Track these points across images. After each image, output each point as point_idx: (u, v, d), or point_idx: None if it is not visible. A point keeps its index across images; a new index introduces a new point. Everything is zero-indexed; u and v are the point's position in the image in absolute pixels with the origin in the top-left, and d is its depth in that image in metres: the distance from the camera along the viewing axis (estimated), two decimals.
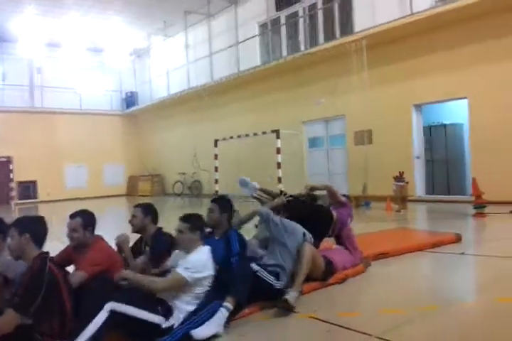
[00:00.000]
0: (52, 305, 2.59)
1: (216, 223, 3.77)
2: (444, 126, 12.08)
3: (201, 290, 3.09)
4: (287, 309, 3.36)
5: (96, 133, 20.80)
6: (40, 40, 18.12)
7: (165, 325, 2.86)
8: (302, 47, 13.77)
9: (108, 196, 20.28)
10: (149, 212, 3.89)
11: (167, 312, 2.91)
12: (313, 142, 14.25)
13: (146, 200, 4.21)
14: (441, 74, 10.61)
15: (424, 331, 2.98)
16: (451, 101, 11.09)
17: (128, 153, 22.02)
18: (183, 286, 2.99)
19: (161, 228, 3.90)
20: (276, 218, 3.94)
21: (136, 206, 3.96)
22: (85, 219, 3.32)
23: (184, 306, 3.01)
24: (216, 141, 14.86)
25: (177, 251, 3.38)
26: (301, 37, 14.13)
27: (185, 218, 3.31)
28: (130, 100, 21.74)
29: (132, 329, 2.77)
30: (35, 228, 2.80)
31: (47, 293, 2.53)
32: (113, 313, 2.64)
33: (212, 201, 3.88)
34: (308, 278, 3.82)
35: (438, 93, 10.75)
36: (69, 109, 20.30)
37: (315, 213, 4.37)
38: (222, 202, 3.86)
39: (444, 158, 11.97)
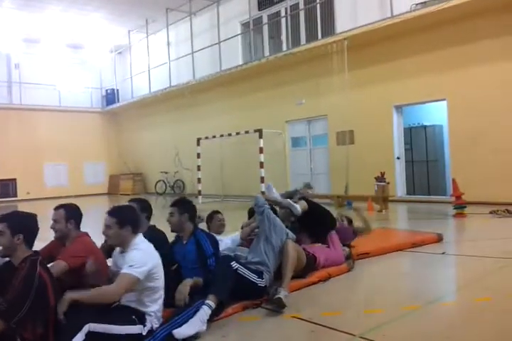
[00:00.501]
0: (38, 311, 2.53)
1: (178, 226, 3.62)
2: (424, 127, 12.26)
3: (156, 282, 2.93)
4: (280, 307, 3.39)
5: (76, 130, 20.47)
6: (18, 35, 17.78)
7: (145, 331, 2.82)
8: (284, 47, 13.79)
9: (89, 195, 20.00)
10: (145, 208, 3.87)
11: (142, 318, 2.85)
12: (296, 142, 14.31)
13: (127, 199, 4.11)
14: (421, 76, 10.76)
15: (406, 331, 3.03)
16: (431, 103, 11.26)
17: (109, 152, 21.75)
18: (137, 285, 2.84)
19: (153, 225, 3.87)
20: (271, 213, 3.96)
21: (131, 201, 3.90)
22: (68, 211, 3.33)
23: (149, 308, 2.91)
24: (199, 140, 14.81)
25: (116, 250, 3.19)
26: (283, 37, 14.16)
27: (112, 212, 3.04)
28: (110, 97, 21.46)
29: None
30: (29, 228, 2.75)
31: (34, 299, 2.47)
32: (91, 334, 2.54)
33: (171, 205, 3.71)
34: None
35: (418, 94, 10.91)
36: (48, 105, 19.93)
37: (329, 218, 4.78)
38: (181, 204, 3.71)
39: (424, 159, 12.15)
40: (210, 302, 3.09)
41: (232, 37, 15.20)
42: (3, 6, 15.93)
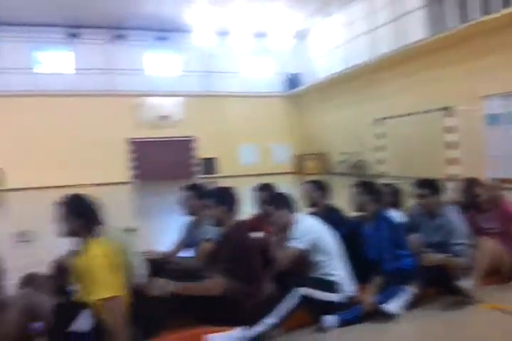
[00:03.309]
0: (251, 270, 2.97)
1: (360, 206, 3.64)
2: None
3: (325, 254, 3.18)
4: (468, 297, 3.36)
5: (263, 114, 22.25)
6: (212, 28, 19.66)
7: (339, 300, 3.13)
8: (473, 16, 12.50)
9: (277, 173, 21.48)
10: (320, 187, 4.04)
11: (333, 287, 3.13)
12: (493, 119, 12.91)
13: (312, 179, 4.38)
14: None
15: None
16: None
17: (294, 133, 23.07)
18: (312, 257, 3.19)
19: (329, 204, 4.06)
20: None
21: (306, 182, 4.10)
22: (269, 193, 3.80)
23: (334, 277, 3.16)
24: (379, 120, 14.63)
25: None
26: (472, 4, 12.82)
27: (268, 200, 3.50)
28: (293, 81, 22.47)
29: (314, 307, 3.07)
30: (230, 199, 3.14)
31: (251, 260, 2.94)
32: (303, 297, 2.94)
33: (354, 185, 3.72)
34: (495, 274, 3.76)
35: None
36: (238, 92, 22.01)
37: None
38: (365, 185, 3.68)
39: None
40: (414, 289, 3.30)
41: (413, 10, 14.34)
42: (197, 3, 17.69)
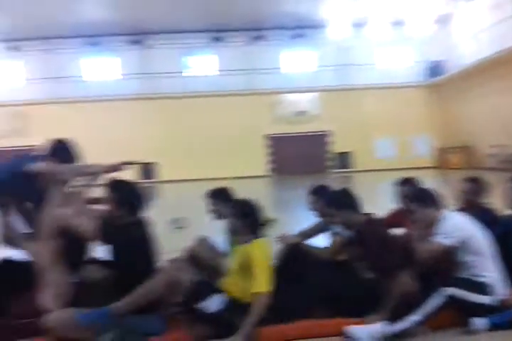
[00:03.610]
0: (390, 265, 3.02)
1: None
2: None
3: (475, 255, 3.03)
4: None
5: (401, 105, 21.42)
6: (347, 21, 19.42)
7: (490, 303, 2.97)
8: None
9: (416, 168, 20.35)
10: (475, 185, 3.90)
11: (484, 289, 2.99)
12: None
13: (456, 174, 4.17)
14: None
15: None
16: None
17: (435, 125, 21.83)
18: (461, 256, 3.06)
19: (482, 202, 3.89)
20: None
21: (461, 179, 4.03)
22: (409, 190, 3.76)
23: (484, 278, 3.00)
24: None
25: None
26: None
27: (413, 197, 3.30)
28: (435, 70, 21.19)
29: (461, 308, 2.98)
30: (351, 202, 3.22)
31: (385, 254, 3.01)
32: (450, 297, 2.87)
33: None
34: None
35: None
36: (374, 84, 21.47)
37: None
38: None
39: None
40: None
41: None
42: None
